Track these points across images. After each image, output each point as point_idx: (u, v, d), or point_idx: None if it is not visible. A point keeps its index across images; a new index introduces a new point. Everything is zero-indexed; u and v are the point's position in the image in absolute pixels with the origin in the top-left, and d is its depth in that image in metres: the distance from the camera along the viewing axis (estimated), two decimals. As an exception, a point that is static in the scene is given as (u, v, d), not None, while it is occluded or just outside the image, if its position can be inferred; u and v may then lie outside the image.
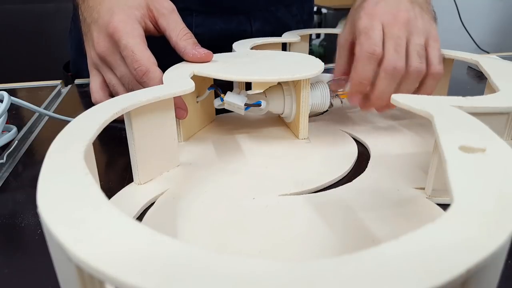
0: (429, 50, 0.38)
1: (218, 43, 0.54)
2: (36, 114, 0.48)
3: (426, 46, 0.38)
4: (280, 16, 0.66)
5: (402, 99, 0.28)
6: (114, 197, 0.30)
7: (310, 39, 0.66)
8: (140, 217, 0.28)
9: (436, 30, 0.39)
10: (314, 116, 0.44)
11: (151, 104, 0.29)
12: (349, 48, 0.39)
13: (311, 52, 0.50)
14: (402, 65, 0.36)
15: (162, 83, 0.34)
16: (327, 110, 0.42)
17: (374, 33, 0.36)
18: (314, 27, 0.77)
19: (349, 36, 0.40)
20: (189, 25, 0.62)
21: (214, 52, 0.41)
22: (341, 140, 0.39)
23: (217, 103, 0.39)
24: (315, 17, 2.28)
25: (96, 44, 0.38)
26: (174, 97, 0.32)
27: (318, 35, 2.32)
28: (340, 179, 0.33)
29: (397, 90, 0.38)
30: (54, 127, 0.45)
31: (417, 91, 0.39)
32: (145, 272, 0.12)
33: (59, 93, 0.59)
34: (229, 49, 0.47)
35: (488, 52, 1.62)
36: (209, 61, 0.39)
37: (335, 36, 0.57)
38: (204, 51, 0.39)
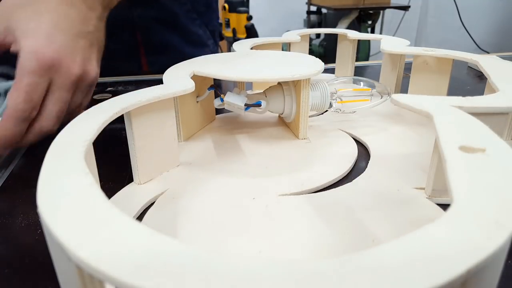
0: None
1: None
2: (36, 114, 0.48)
3: None
4: (164, 2, 0.65)
5: (402, 99, 0.28)
6: (114, 197, 0.30)
7: (310, 39, 0.66)
8: (140, 217, 0.28)
9: None
10: (314, 116, 0.44)
11: (151, 104, 0.29)
12: None
13: (311, 52, 0.50)
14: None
15: None
16: (327, 110, 0.42)
17: None
18: (314, 27, 0.77)
19: None
20: None
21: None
22: (341, 140, 0.39)
23: (217, 103, 0.39)
24: (315, 17, 2.28)
25: None
26: None
27: (318, 35, 2.31)
28: (340, 179, 0.33)
29: None
30: (54, 127, 0.45)
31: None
32: (145, 272, 0.12)
33: (59, 93, 0.59)
34: (116, 37, 0.43)
35: (488, 52, 1.62)
36: None
37: (335, 36, 0.57)
38: None
